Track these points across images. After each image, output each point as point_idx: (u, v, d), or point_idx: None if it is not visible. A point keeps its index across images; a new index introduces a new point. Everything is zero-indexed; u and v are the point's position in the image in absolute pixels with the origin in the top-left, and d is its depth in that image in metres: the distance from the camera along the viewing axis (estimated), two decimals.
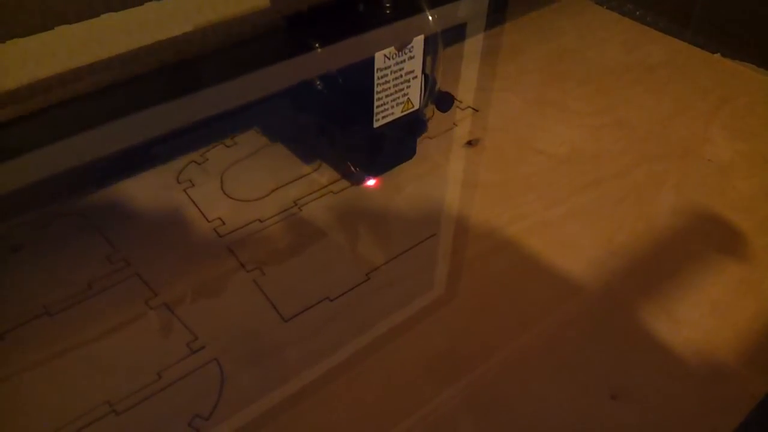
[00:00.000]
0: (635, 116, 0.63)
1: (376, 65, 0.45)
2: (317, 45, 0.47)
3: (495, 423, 0.39)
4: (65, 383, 0.40)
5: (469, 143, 0.59)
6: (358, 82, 0.47)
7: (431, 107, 0.53)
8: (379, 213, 0.52)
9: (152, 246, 0.49)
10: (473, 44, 0.71)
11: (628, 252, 0.49)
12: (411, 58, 0.47)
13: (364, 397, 0.40)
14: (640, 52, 0.72)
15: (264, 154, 0.57)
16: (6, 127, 0.37)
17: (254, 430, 0.38)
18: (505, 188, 0.55)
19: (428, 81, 0.50)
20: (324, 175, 0.55)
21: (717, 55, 0.71)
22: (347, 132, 0.51)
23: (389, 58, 0.45)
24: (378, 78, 0.46)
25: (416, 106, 0.50)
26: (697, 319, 0.45)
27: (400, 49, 0.45)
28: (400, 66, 0.47)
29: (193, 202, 0.52)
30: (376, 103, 0.47)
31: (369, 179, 0.54)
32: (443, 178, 0.55)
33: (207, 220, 0.51)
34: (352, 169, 0.54)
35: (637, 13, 0.78)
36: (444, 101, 0.53)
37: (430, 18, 0.46)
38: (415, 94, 0.49)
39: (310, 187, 0.54)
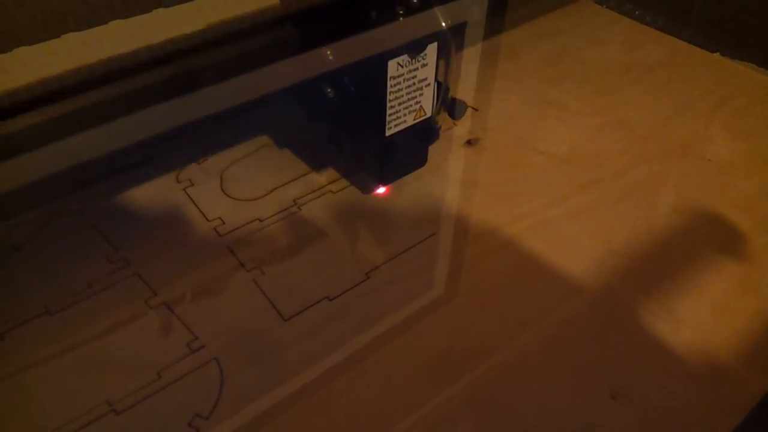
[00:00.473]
0: (635, 116, 0.63)
1: (389, 73, 0.44)
2: (329, 53, 0.46)
3: (495, 423, 0.39)
4: (65, 382, 0.40)
5: (469, 143, 0.59)
6: (371, 89, 0.46)
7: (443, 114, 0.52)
8: (379, 212, 0.52)
9: (152, 245, 0.48)
10: (473, 44, 0.71)
11: (628, 252, 0.49)
12: (424, 65, 0.46)
13: (364, 397, 0.40)
14: (639, 52, 0.72)
15: (264, 153, 0.57)
16: (6, 126, 0.37)
17: (254, 429, 0.38)
18: (505, 188, 0.55)
19: (441, 88, 0.49)
20: (323, 174, 0.55)
21: (717, 55, 0.71)
22: (358, 140, 0.50)
23: (402, 66, 0.45)
24: (391, 86, 0.45)
25: (428, 114, 0.49)
26: (697, 319, 0.45)
27: (414, 56, 0.44)
28: (413, 74, 0.46)
29: (193, 202, 0.52)
30: (388, 112, 0.46)
31: (379, 187, 0.53)
32: (443, 177, 0.55)
33: (207, 219, 0.51)
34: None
35: (637, 12, 0.78)
36: (457, 109, 0.52)
37: (444, 24, 0.45)
38: (427, 101, 0.48)
39: (309, 186, 0.54)
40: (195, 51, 0.42)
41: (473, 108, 0.63)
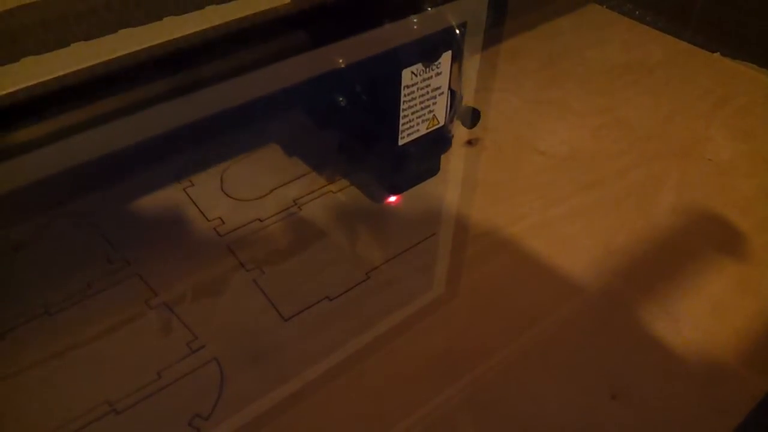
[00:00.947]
0: (635, 116, 0.63)
1: (404, 82, 0.44)
2: (341, 61, 0.45)
3: (495, 423, 0.39)
4: (65, 382, 0.40)
5: (469, 143, 0.59)
6: (384, 99, 0.45)
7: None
8: (379, 212, 0.52)
9: (152, 246, 0.49)
10: (473, 44, 0.71)
11: (628, 252, 0.49)
12: (438, 74, 0.45)
13: (364, 397, 0.40)
14: (639, 52, 0.72)
15: (264, 153, 0.57)
16: (6, 126, 0.37)
17: (254, 429, 0.38)
18: (505, 188, 0.55)
19: (454, 96, 0.49)
20: (324, 174, 0.55)
21: (717, 55, 0.71)
22: (370, 149, 0.50)
23: (416, 75, 0.44)
24: (404, 95, 0.44)
25: (441, 123, 0.49)
26: (697, 319, 0.45)
27: (428, 65, 0.44)
28: (427, 82, 0.45)
29: (193, 202, 0.52)
30: (401, 121, 0.46)
31: (390, 196, 0.52)
32: (443, 177, 0.55)
33: (207, 219, 0.51)
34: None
35: (637, 12, 0.78)
36: (470, 117, 0.51)
37: (458, 32, 0.44)
38: (440, 110, 0.48)
39: (309, 186, 0.54)
40: (200, 50, 0.42)
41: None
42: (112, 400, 0.39)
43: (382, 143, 0.48)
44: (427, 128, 0.48)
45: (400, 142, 0.47)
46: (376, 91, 0.46)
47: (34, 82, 0.35)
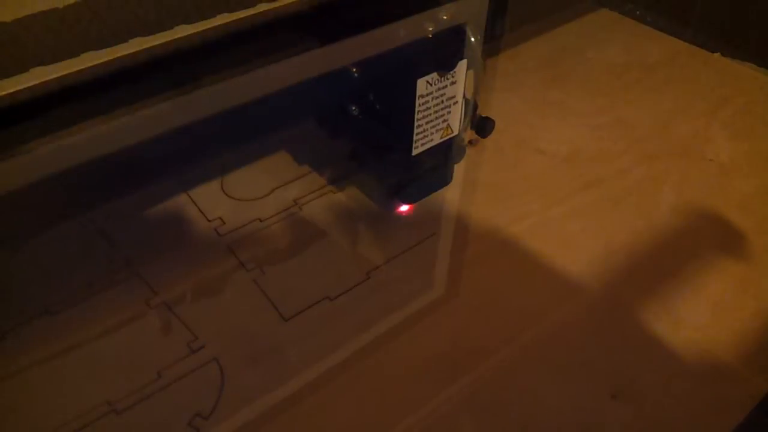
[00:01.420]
0: (635, 116, 0.63)
1: (419, 92, 0.43)
2: (354, 70, 0.45)
3: (495, 423, 0.39)
4: (66, 382, 0.40)
5: (470, 143, 0.59)
6: (398, 108, 0.45)
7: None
8: (379, 213, 0.52)
9: (152, 246, 0.49)
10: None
11: (628, 252, 0.49)
12: (453, 83, 0.44)
13: (364, 397, 0.40)
14: (640, 52, 0.72)
15: (264, 153, 0.57)
16: (6, 126, 0.37)
17: (254, 429, 0.38)
18: (505, 188, 0.55)
19: (468, 105, 0.48)
20: (324, 175, 0.55)
21: (717, 55, 0.71)
22: (383, 159, 0.49)
23: (431, 84, 0.43)
24: (419, 105, 0.43)
25: (455, 132, 0.48)
26: (697, 319, 0.45)
27: (443, 74, 0.43)
28: (442, 92, 0.44)
29: (194, 202, 0.52)
30: (416, 131, 0.45)
31: (402, 205, 0.51)
32: None
33: (207, 219, 0.51)
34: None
35: (637, 12, 0.78)
36: (485, 126, 0.50)
37: (473, 40, 0.43)
38: (455, 119, 0.47)
39: (310, 186, 0.54)
40: (202, 49, 0.42)
41: None
42: (112, 400, 0.39)
43: (395, 153, 0.47)
44: (441, 137, 0.47)
45: (414, 152, 0.46)
46: (390, 100, 0.45)
47: (35, 82, 0.35)
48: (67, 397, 0.39)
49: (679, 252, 0.49)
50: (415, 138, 0.45)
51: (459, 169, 0.56)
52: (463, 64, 0.44)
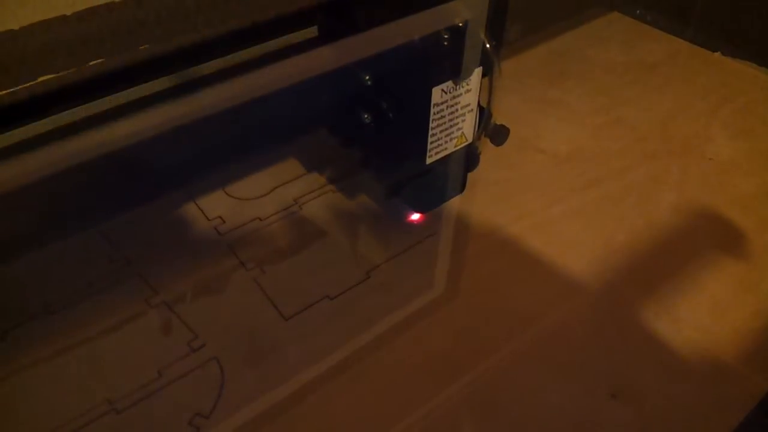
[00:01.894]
0: (636, 115, 0.63)
1: (433, 100, 0.42)
2: (367, 78, 0.44)
3: (495, 422, 0.39)
4: (66, 381, 0.40)
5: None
6: (412, 117, 0.44)
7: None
8: (379, 212, 0.52)
9: (153, 245, 0.49)
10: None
11: (628, 251, 0.49)
12: (468, 91, 0.44)
13: (364, 397, 0.40)
14: (640, 51, 0.72)
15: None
16: (6, 126, 0.37)
17: (254, 428, 0.38)
18: (505, 187, 0.55)
19: (483, 113, 0.47)
20: (324, 174, 0.55)
21: (717, 54, 0.71)
22: (397, 167, 0.48)
23: (446, 92, 0.43)
24: (434, 113, 0.43)
25: (469, 140, 0.47)
26: (698, 318, 0.45)
27: (459, 82, 0.42)
28: (457, 100, 0.44)
29: (194, 201, 0.52)
30: (430, 140, 0.44)
31: (413, 214, 0.51)
32: None
33: (207, 218, 0.51)
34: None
35: (638, 11, 0.78)
36: (499, 135, 0.49)
37: (488, 46, 0.42)
38: (469, 127, 0.46)
39: (310, 185, 0.54)
40: (203, 49, 0.42)
41: None
42: (112, 399, 0.39)
43: (408, 162, 0.46)
44: (455, 146, 0.46)
45: (428, 161, 0.45)
46: (404, 109, 0.45)
47: (35, 81, 0.35)
48: (67, 397, 0.39)
49: (679, 252, 0.49)
50: (429, 147, 0.44)
51: None
52: (478, 72, 0.43)
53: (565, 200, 0.54)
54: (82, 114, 0.39)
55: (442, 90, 0.42)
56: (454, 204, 0.53)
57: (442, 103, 0.43)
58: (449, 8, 0.42)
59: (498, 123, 0.49)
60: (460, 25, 0.41)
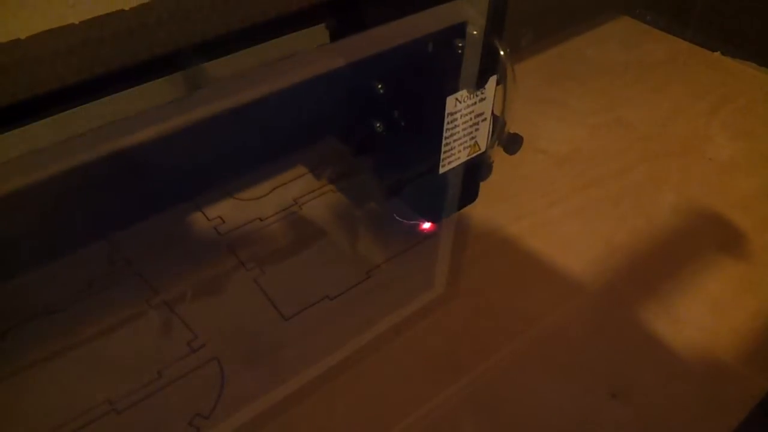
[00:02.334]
0: (635, 115, 0.63)
1: (447, 110, 0.41)
2: (380, 86, 0.44)
3: (495, 422, 0.39)
4: (66, 382, 0.40)
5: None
6: (426, 126, 0.43)
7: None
8: (379, 212, 0.52)
9: (153, 245, 0.48)
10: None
11: (628, 251, 0.49)
12: (482, 99, 0.43)
13: (364, 397, 0.40)
14: (640, 51, 0.72)
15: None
16: (6, 126, 0.37)
17: (254, 428, 0.38)
18: (505, 187, 0.55)
19: (497, 122, 0.46)
20: (324, 174, 0.55)
21: (717, 54, 0.71)
22: (409, 177, 0.48)
23: (460, 102, 0.42)
24: (447, 122, 0.42)
25: (483, 149, 0.46)
26: (698, 318, 0.45)
27: (473, 91, 0.42)
28: (471, 109, 0.43)
29: (193, 201, 0.52)
30: (443, 149, 0.43)
31: (425, 222, 0.51)
32: None
33: (207, 218, 0.51)
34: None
35: (637, 11, 0.78)
36: (513, 143, 0.48)
37: (502, 53, 0.42)
38: (482, 136, 0.45)
39: (310, 186, 0.54)
40: (205, 48, 0.42)
41: None
42: (112, 399, 0.39)
43: (421, 171, 0.46)
44: (468, 155, 0.46)
45: (441, 171, 0.45)
46: (417, 118, 0.44)
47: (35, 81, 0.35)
48: (67, 397, 0.39)
49: (680, 251, 0.49)
50: (442, 156, 0.44)
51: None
52: (492, 80, 0.43)
53: (565, 200, 0.54)
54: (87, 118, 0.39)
55: (456, 99, 0.42)
56: None
57: (455, 113, 0.42)
58: (459, 9, 0.42)
59: (512, 132, 0.48)
60: (474, 33, 0.40)
